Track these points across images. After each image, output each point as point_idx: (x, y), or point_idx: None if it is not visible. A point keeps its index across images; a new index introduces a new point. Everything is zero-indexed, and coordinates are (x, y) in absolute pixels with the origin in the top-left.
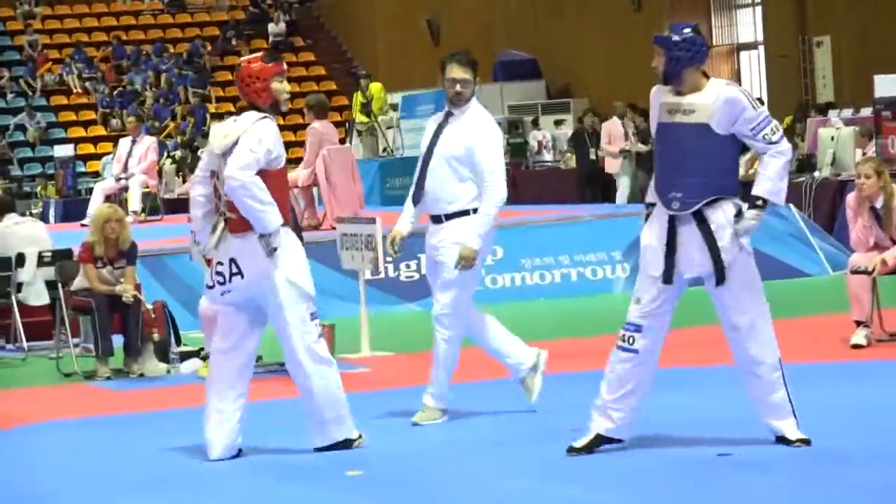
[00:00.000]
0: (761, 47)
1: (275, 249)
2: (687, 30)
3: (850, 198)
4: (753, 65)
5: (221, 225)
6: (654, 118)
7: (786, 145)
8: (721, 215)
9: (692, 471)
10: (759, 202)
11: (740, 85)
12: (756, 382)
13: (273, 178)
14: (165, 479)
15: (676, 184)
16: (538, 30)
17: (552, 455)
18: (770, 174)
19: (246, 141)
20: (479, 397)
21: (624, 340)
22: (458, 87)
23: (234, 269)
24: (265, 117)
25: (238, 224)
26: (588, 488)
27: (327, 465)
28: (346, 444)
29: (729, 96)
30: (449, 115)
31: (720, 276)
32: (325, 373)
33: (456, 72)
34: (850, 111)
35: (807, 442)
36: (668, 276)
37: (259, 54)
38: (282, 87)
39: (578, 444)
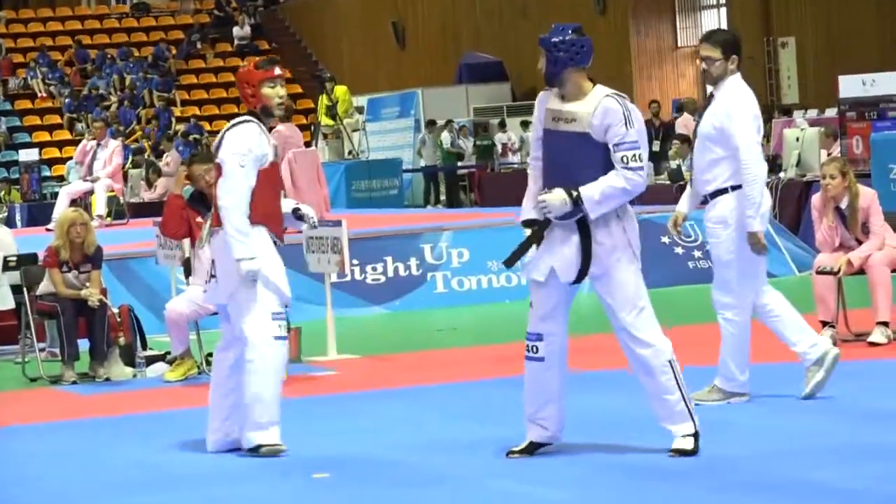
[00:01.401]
0: None
1: (250, 278)
2: (569, 31)
3: (816, 198)
4: None
5: (209, 221)
6: (539, 123)
7: (636, 179)
8: (601, 223)
9: (654, 473)
10: (574, 193)
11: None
12: (648, 384)
13: (262, 176)
14: (130, 483)
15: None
16: (503, 32)
17: (518, 458)
18: (602, 184)
19: (232, 157)
20: (455, 398)
21: (529, 350)
22: (703, 66)
23: (213, 272)
24: (246, 120)
25: (216, 219)
26: (557, 487)
27: (294, 468)
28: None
29: (607, 106)
30: (710, 95)
31: (579, 277)
32: (268, 374)
33: (702, 49)
34: (815, 112)
35: (686, 453)
36: (511, 262)
37: (256, 59)
38: (273, 93)
39: (517, 448)
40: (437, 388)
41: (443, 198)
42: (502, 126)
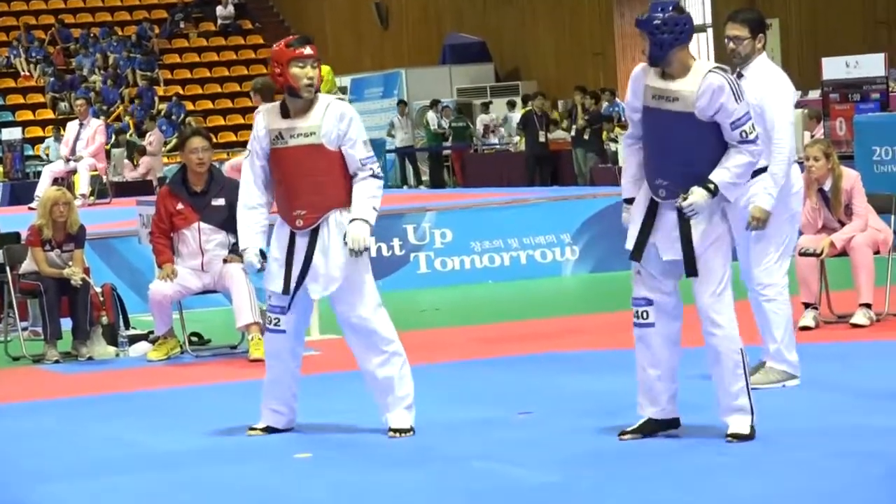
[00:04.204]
0: (710, 30)
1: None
2: (669, 8)
3: None
4: (702, 48)
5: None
6: (637, 100)
7: (755, 148)
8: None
9: (637, 455)
10: (711, 185)
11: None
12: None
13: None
14: (112, 462)
15: (662, 171)
16: (487, 13)
17: (502, 438)
18: (730, 165)
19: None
20: (438, 380)
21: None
22: (731, 45)
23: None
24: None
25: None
26: (542, 469)
27: (276, 448)
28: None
29: (712, 84)
30: (739, 76)
31: (690, 269)
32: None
33: (728, 28)
34: (799, 94)
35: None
36: (637, 253)
37: (290, 38)
38: (301, 73)
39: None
40: (420, 369)
41: (425, 178)
42: (486, 107)
